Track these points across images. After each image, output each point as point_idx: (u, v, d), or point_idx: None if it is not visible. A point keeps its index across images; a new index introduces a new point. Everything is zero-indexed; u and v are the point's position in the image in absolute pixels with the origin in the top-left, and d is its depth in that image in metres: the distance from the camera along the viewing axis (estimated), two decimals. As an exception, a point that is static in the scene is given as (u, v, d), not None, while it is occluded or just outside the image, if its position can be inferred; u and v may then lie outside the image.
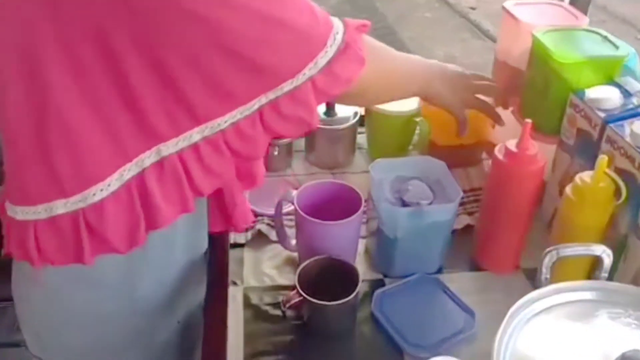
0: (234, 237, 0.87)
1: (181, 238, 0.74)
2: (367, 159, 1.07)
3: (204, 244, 0.83)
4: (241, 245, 0.87)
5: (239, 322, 0.76)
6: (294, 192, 0.79)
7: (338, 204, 0.80)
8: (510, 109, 0.96)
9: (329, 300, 0.71)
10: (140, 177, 0.61)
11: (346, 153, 1.05)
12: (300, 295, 0.71)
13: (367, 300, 0.78)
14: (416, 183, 0.80)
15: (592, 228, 0.70)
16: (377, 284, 0.82)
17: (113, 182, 0.59)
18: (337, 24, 0.66)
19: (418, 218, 0.76)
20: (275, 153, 0.98)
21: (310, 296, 0.71)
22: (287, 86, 0.62)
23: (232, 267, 0.84)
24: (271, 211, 0.86)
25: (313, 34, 0.62)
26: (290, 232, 0.85)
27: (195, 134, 0.61)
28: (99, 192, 0.59)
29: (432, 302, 0.78)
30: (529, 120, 0.73)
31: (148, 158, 0.60)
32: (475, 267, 0.85)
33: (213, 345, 0.74)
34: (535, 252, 0.83)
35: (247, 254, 0.86)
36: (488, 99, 0.91)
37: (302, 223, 0.78)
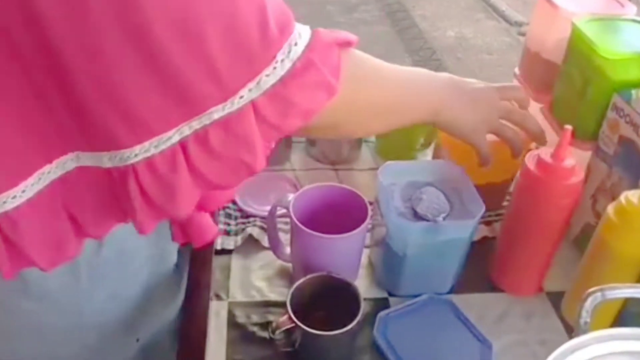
0: (221, 242, 0.77)
1: (142, 250, 0.64)
2: (375, 154, 0.97)
3: (172, 257, 0.73)
4: (229, 252, 0.77)
5: (221, 343, 0.66)
6: (290, 197, 0.69)
7: (341, 211, 0.70)
8: (540, 106, 0.85)
9: (325, 326, 0.61)
10: (64, 181, 0.49)
11: (351, 147, 0.94)
12: (292, 321, 0.61)
13: (368, 322, 0.68)
14: (431, 191, 0.69)
15: (637, 259, 0.60)
16: (381, 304, 0.72)
17: (29, 188, 0.48)
18: (301, 32, 0.48)
19: (432, 234, 0.66)
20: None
21: (304, 319, 0.62)
22: (217, 112, 0.45)
23: (217, 277, 0.74)
24: (265, 212, 0.76)
25: (257, 39, 0.44)
26: (286, 238, 0.75)
27: (105, 159, 0.47)
28: (10, 199, 0.48)
29: (444, 328, 0.68)
30: (569, 127, 0.62)
31: (71, 160, 0.49)
32: (492, 286, 0.75)
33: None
34: (561, 272, 0.74)
35: (235, 261, 0.76)
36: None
37: (298, 234, 0.67)
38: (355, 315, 0.62)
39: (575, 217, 0.79)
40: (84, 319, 0.62)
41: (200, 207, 0.66)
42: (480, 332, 0.67)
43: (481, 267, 0.77)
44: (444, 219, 0.66)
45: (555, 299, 0.73)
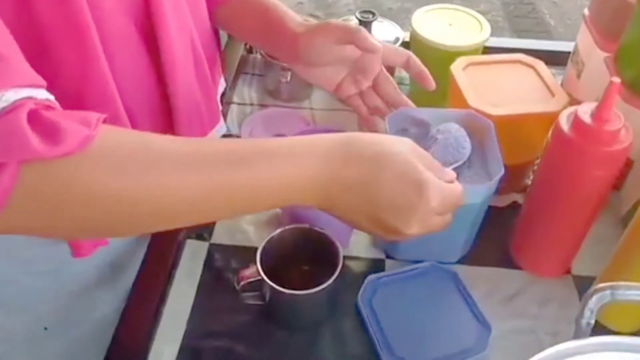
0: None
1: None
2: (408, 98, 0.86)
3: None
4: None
5: (191, 287, 0.61)
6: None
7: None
8: (605, 55, 0.70)
9: (304, 283, 0.55)
10: None
11: (380, 88, 0.83)
12: (259, 273, 0.54)
13: (357, 284, 0.61)
14: (451, 130, 0.58)
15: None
16: (375, 266, 0.64)
17: None
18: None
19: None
20: (284, 80, 0.79)
21: (278, 273, 0.55)
22: None
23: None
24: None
25: None
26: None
27: None
28: None
29: (440, 302, 0.60)
30: (616, 79, 0.49)
31: None
32: (509, 261, 0.65)
33: (137, 311, 0.59)
34: (598, 254, 0.62)
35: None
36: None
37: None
38: (330, 276, 0.55)
39: (625, 190, 0.67)
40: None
41: None
42: (481, 311, 0.58)
43: (502, 238, 0.66)
44: (457, 169, 0.56)
45: (584, 284, 0.61)
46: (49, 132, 0.35)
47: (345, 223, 0.47)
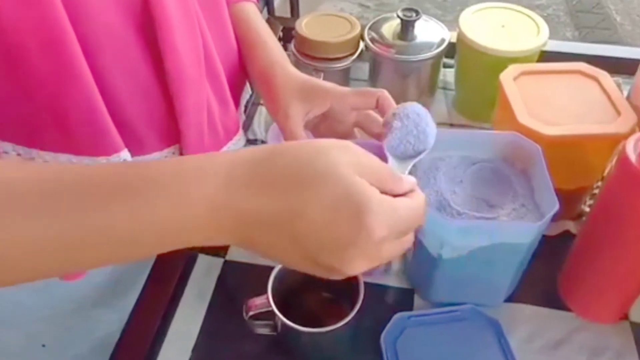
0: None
1: None
2: (451, 106, 0.79)
3: None
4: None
5: (200, 307, 0.57)
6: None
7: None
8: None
9: (322, 313, 0.49)
10: None
11: (421, 93, 0.76)
12: (270, 305, 0.49)
13: (383, 317, 0.54)
14: (411, 111, 0.46)
15: None
16: (404, 297, 0.57)
17: None
18: None
19: (476, 235, 0.48)
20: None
21: (289, 304, 0.50)
22: None
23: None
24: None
25: None
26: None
27: None
28: None
29: (474, 354, 0.52)
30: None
31: None
32: (556, 301, 0.57)
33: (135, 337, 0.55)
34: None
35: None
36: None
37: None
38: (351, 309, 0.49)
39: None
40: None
41: None
42: (520, 363, 0.51)
43: (550, 272, 0.59)
44: (413, 159, 0.45)
45: (643, 333, 0.54)
46: None
47: (281, 264, 0.38)
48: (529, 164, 0.51)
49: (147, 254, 0.34)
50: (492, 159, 0.53)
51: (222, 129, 0.57)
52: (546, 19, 0.73)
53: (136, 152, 0.50)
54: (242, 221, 0.32)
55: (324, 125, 0.56)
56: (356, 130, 0.56)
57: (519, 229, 0.47)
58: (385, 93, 0.51)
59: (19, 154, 0.45)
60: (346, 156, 0.33)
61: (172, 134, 0.52)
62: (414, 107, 0.46)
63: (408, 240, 0.37)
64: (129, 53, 0.45)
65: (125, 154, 0.48)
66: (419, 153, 0.46)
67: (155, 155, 0.52)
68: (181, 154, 0.54)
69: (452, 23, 0.75)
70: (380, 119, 0.52)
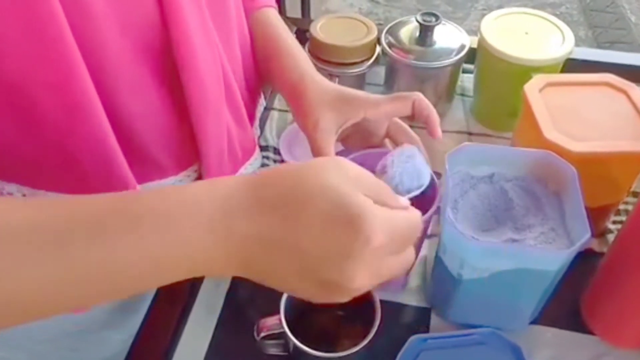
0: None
1: None
2: (469, 113, 0.76)
3: None
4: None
5: (209, 324, 0.55)
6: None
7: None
8: None
9: (330, 332, 0.47)
10: None
11: (438, 99, 0.74)
12: (282, 327, 0.47)
13: (395, 339, 0.52)
14: (404, 155, 0.46)
15: None
16: (420, 316, 0.55)
17: None
18: None
19: (500, 259, 0.46)
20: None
21: (303, 322, 0.48)
22: None
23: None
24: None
25: None
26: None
27: None
28: None
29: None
30: None
31: None
32: (579, 325, 0.55)
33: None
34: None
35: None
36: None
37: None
38: (368, 332, 0.47)
39: None
40: None
41: None
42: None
43: (573, 293, 0.56)
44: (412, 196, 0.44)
45: (670, 360, 0.51)
46: None
47: (280, 290, 0.37)
48: (561, 185, 0.49)
49: (149, 287, 0.33)
50: (524, 177, 0.51)
51: (240, 150, 0.55)
52: (559, 17, 0.71)
53: (152, 176, 0.48)
54: (242, 248, 0.32)
55: (354, 138, 0.53)
56: (387, 141, 0.54)
57: (545, 255, 0.44)
58: (420, 96, 0.50)
59: (24, 195, 0.43)
60: (340, 171, 0.33)
61: (189, 157, 0.50)
62: (408, 150, 0.47)
63: (409, 255, 0.36)
64: (144, 81, 0.43)
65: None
66: (413, 190, 0.45)
67: (171, 179, 0.50)
68: (200, 178, 0.52)
69: (462, 20, 0.72)
70: (410, 130, 0.52)
